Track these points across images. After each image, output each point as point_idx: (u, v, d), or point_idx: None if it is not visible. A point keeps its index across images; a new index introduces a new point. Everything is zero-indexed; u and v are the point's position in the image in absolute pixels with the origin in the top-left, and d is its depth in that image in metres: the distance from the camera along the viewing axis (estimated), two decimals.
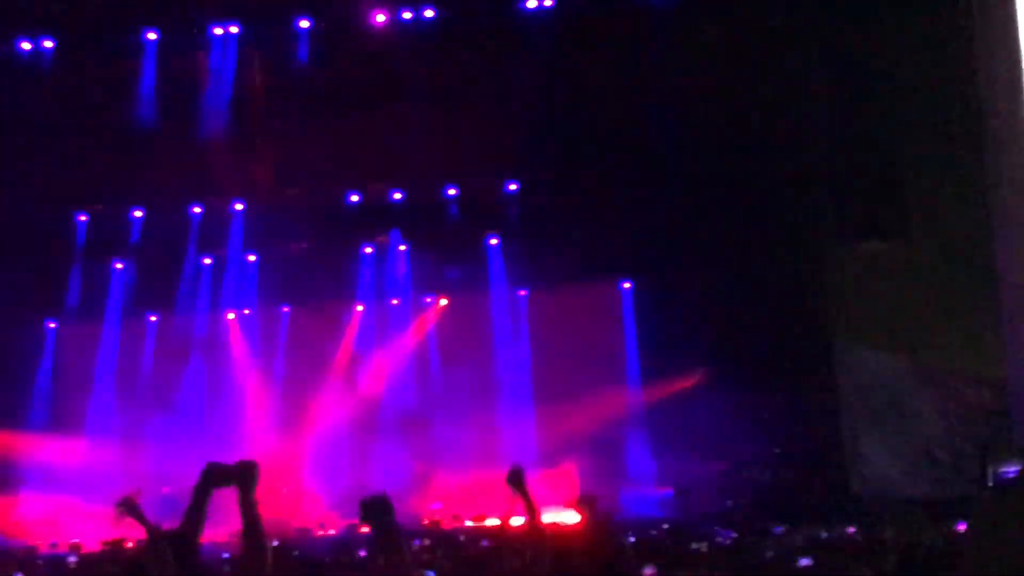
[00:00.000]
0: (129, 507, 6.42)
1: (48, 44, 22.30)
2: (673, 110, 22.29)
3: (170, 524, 6.03)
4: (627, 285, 24.98)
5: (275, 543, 16.53)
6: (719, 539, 14.25)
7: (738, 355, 22.75)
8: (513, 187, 24.27)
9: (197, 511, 5.97)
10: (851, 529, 14.79)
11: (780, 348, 22.44)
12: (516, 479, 6.97)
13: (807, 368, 22.35)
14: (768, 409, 22.20)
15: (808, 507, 19.31)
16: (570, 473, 22.71)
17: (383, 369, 25.43)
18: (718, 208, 22.39)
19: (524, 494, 6.84)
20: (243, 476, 5.68)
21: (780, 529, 14.99)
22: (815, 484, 21.67)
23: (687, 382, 23.09)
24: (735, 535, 15.21)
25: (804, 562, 9.09)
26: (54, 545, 20.74)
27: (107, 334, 25.38)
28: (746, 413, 21.51)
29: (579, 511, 13.82)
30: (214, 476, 5.87)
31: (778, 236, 22.41)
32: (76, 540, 20.18)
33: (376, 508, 4.99)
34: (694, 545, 13.34)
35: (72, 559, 16.92)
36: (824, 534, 14.30)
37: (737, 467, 22.55)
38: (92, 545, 19.46)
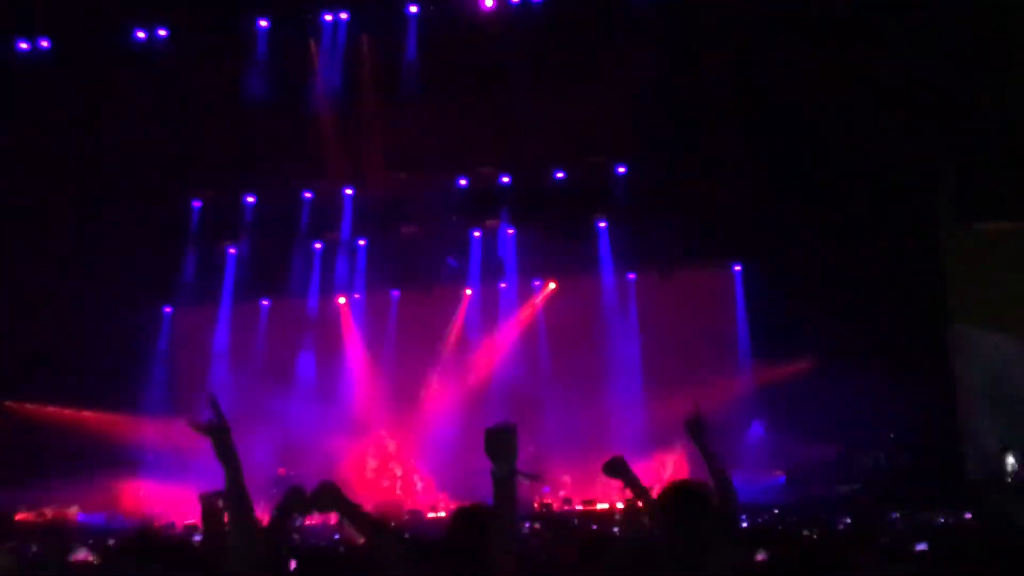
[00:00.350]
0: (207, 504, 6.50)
1: (162, 33, 22.56)
2: (787, 90, 21.91)
3: None
4: (738, 268, 24.74)
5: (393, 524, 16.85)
6: (833, 525, 14.05)
7: (851, 338, 22.40)
8: (622, 170, 24.05)
9: (278, 532, 5.87)
10: (967, 515, 14.50)
11: (894, 331, 22.06)
12: (614, 469, 6.80)
13: (922, 352, 21.92)
14: (882, 393, 21.79)
15: (922, 493, 18.95)
16: (680, 459, 22.57)
17: (492, 353, 25.49)
18: (832, 189, 21.99)
19: (628, 479, 6.70)
20: (320, 503, 5.51)
21: (895, 515, 14.74)
22: (929, 469, 21.23)
23: (799, 366, 22.79)
24: (848, 520, 15.02)
25: (920, 547, 8.90)
26: (171, 525, 21.08)
27: (221, 318, 25.74)
28: (860, 397, 21.16)
29: None
30: (293, 504, 5.82)
31: (894, 217, 21.99)
32: (192, 521, 20.46)
33: (499, 439, 4.55)
34: (805, 531, 13.16)
35: (197, 538, 17.16)
36: (940, 520, 14.02)
37: (850, 452, 22.22)
38: None
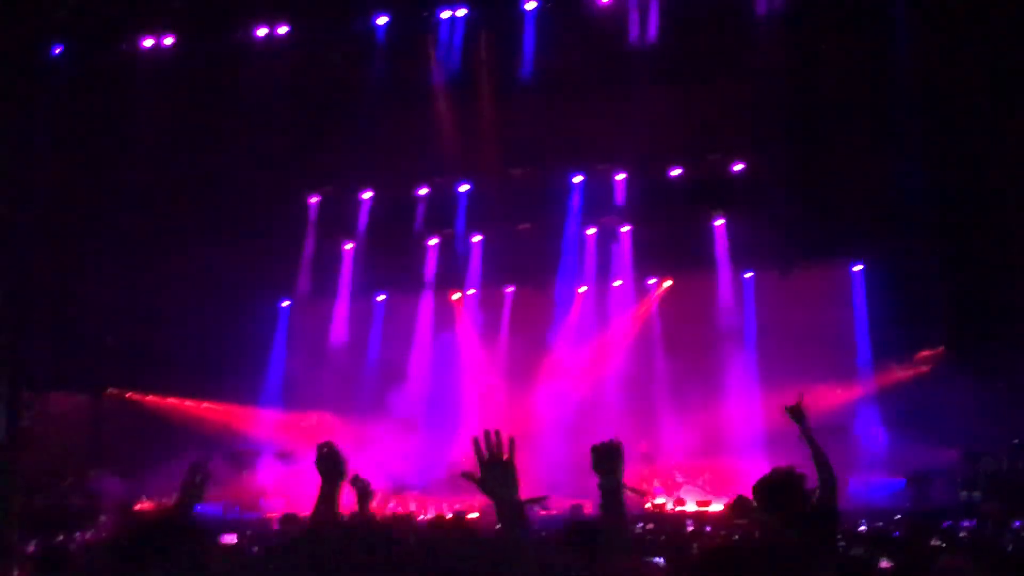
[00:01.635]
0: (360, 487, 6.60)
1: (282, 30, 22.78)
2: (911, 87, 21.40)
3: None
4: (858, 268, 24.29)
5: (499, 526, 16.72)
6: (955, 531, 13.70)
7: (975, 338, 21.88)
8: (740, 166, 23.74)
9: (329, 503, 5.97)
10: None
11: (1019, 331, 21.47)
12: (797, 414, 7.17)
13: None
14: (1004, 397, 21.25)
15: None
16: (796, 462, 22.15)
17: (605, 351, 25.35)
18: (954, 186, 21.47)
19: (806, 433, 6.81)
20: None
21: (1019, 523, 14.33)
22: None
23: (921, 367, 22.29)
24: (971, 525, 14.69)
25: None
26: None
27: (337, 313, 25.99)
28: (981, 402, 20.65)
29: None
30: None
31: (1017, 214, 21.39)
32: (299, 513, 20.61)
33: (605, 456, 4.79)
34: (933, 541, 12.83)
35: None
36: None
37: (973, 456, 21.61)
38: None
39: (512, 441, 3.89)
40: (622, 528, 4.68)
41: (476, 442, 3.92)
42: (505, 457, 3.91)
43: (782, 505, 5.84)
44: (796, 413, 7.26)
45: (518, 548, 3.76)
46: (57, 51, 22.09)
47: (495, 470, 3.90)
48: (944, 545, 12.39)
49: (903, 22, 21.04)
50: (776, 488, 6.01)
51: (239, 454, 24.18)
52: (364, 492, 6.63)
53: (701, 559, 6.04)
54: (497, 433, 3.86)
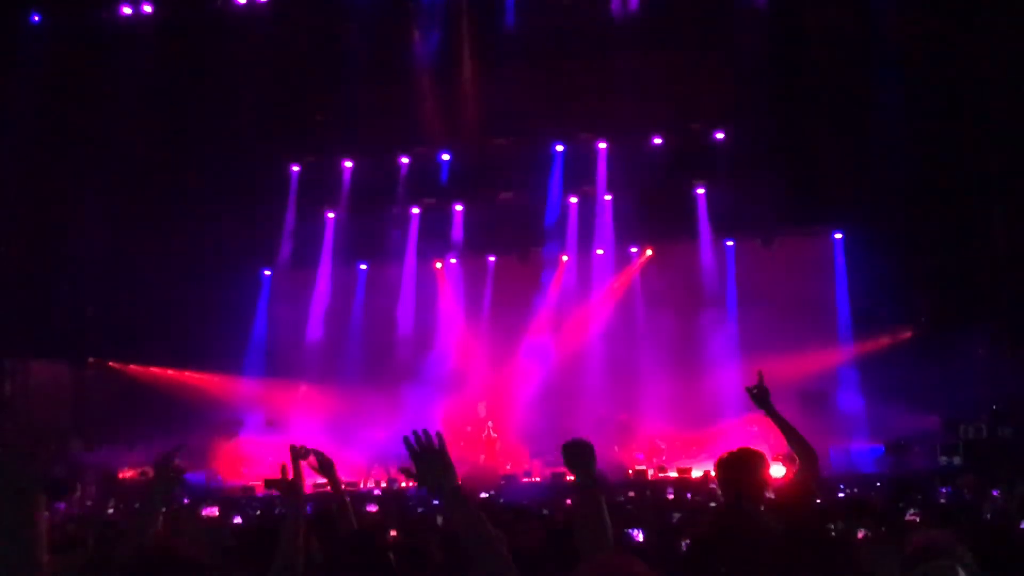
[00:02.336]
0: (322, 464, 6.60)
1: (261, 0, 22.68)
2: (896, 59, 21.38)
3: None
4: (839, 235, 24.34)
5: (484, 494, 16.81)
6: (933, 498, 13.79)
7: (953, 308, 21.97)
8: (721, 135, 23.74)
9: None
10: None
11: (998, 301, 21.59)
12: (759, 397, 6.43)
13: None
14: (983, 364, 21.38)
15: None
16: (776, 427, 22.21)
17: (587, 319, 25.37)
18: (935, 156, 21.53)
19: (772, 414, 6.45)
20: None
21: (997, 491, 14.41)
22: None
23: (900, 335, 22.40)
24: (948, 491, 14.79)
25: None
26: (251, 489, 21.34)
27: (319, 281, 25.96)
28: (961, 369, 20.75)
29: (785, 465, 13.52)
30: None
31: (999, 183, 21.48)
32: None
33: (574, 453, 4.78)
34: (910, 513, 12.88)
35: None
36: None
37: (951, 423, 21.73)
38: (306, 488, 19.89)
39: (440, 435, 3.90)
40: (602, 526, 4.61)
41: (407, 440, 3.88)
42: (436, 447, 3.88)
43: (737, 482, 5.64)
44: (758, 395, 6.42)
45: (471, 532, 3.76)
46: (36, 19, 21.99)
47: (429, 462, 3.86)
48: (920, 517, 12.49)
49: None
50: (733, 464, 5.76)
51: (221, 423, 24.14)
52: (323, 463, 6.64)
53: (688, 553, 6.05)
54: (425, 431, 3.90)
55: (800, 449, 6.20)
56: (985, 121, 21.16)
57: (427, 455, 3.88)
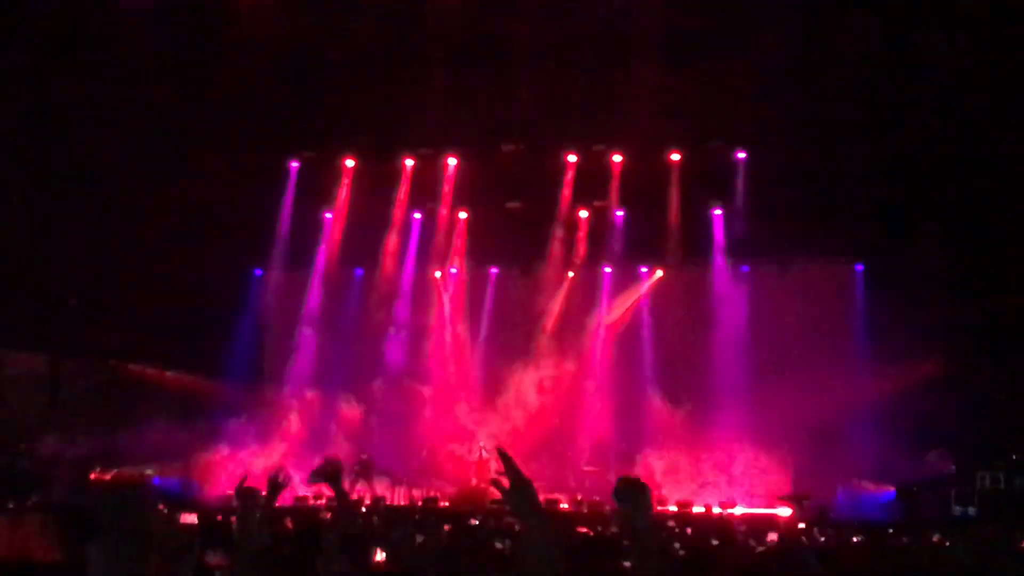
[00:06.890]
0: (329, 475, 6.15)
1: None
2: (924, 87, 20.53)
3: None
4: (860, 267, 23.49)
5: (475, 521, 16.01)
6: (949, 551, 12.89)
7: (974, 349, 21.14)
8: (743, 155, 22.84)
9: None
10: None
11: (1020, 344, 20.77)
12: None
13: None
14: (1003, 410, 20.57)
15: None
16: (784, 464, 21.50)
17: (593, 340, 24.52)
18: (958, 188, 20.69)
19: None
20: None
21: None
22: None
23: (920, 373, 21.47)
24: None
25: None
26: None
27: (313, 284, 25.10)
28: (982, 412, 19.98)
29: (790, 506, 12.70)
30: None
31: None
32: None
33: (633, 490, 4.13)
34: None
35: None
36: None
37: (967, 469, 20.86)
38: (285, 499, 19.13)
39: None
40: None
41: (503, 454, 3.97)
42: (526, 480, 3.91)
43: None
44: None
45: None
46: None
47: (520, 492, 3.89)
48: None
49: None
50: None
51: (201, 428, 23.28)
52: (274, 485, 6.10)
53: None
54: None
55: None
56: (1020, 147, 20.33)
57: (519, 486, 3.91)
